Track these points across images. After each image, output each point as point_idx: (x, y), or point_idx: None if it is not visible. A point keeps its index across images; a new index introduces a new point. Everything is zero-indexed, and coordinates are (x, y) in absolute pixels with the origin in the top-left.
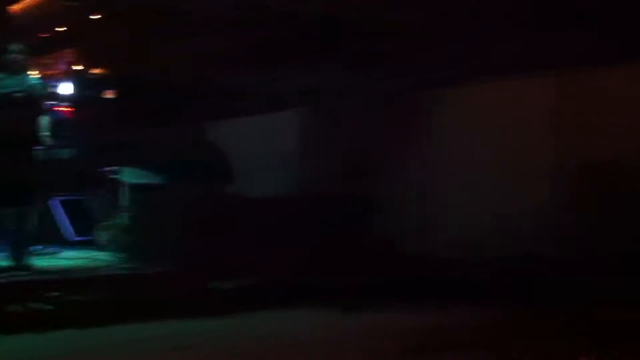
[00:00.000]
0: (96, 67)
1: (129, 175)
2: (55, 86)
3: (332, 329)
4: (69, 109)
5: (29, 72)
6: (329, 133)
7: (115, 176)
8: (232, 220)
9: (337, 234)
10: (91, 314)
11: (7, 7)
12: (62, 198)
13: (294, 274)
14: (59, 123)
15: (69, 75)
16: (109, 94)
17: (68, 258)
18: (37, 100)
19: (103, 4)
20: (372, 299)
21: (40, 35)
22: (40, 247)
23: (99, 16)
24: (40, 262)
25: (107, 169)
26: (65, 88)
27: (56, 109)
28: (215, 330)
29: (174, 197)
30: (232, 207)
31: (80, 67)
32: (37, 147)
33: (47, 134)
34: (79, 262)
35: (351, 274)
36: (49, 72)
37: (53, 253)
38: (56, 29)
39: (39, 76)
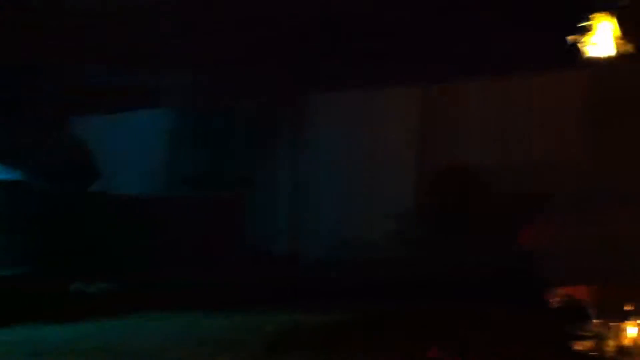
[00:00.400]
0: None
1: None
2: None
3: (199, 331)
4: None
5: None
6: (199, 133)
7: None
8: (95, 220)
9: (203, 235)
10: None
11: None
12: None
13: (161, 276)
14: None
15: None
16: None
17: None
18: None
19: None
20: (241, 299)
21: None
22: None
23: None
24: None
25: None
26: None
27: None
28: (75, 335)
29: (30, 195)
30: (93, 206)
31: None
32: None
33: None
34: None
35: (219, 275)
36: None
37: None
38: None
39: None
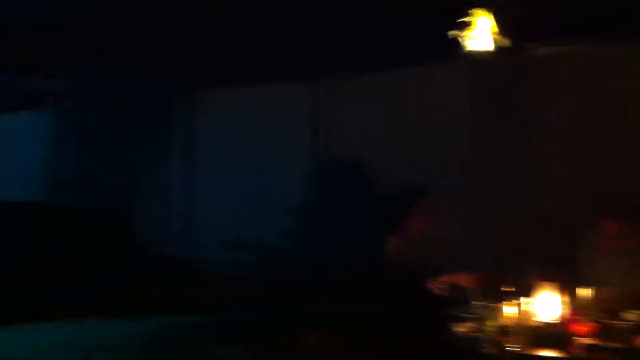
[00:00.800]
0: None
1: None
2: None
3: (82, 339)
4: None
5: None
6: (85, 135)
7: None
8: None
9: (91, 241)
10: None
11: None
12: None
13: (44, 286)
14: None
15: None
16: None
17: None
18: None
19: None
20: (133, 304)
21: None
22: None
23: None
24: None
25: None
26: None
27: None
28: None
29: None
30: None
31: None
32: None
33: None
34: None
35: (109, 282)
36: None
37: None
38: None
39: None
